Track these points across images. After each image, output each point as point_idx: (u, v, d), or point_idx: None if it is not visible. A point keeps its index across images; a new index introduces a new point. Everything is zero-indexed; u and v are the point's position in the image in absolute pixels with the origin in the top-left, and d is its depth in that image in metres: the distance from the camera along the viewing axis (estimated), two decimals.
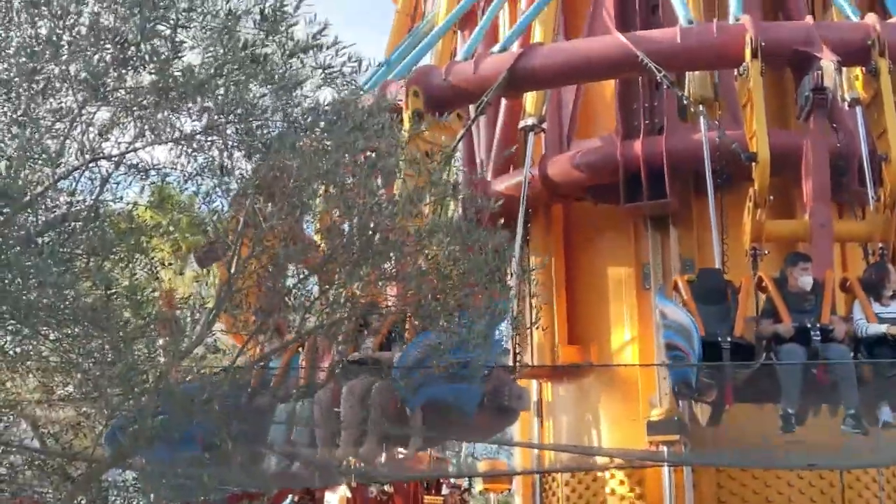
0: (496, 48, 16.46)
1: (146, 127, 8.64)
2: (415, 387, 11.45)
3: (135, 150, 8.40)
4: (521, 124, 16.67)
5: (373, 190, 10.31)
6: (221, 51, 8.35)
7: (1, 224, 7.90)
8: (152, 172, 8.79)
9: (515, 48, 16.22)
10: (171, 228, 9.77)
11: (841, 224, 14.11)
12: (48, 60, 8.20)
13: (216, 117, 8.40)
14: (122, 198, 8.92)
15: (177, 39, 8.33)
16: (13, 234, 7.97)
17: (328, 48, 8.65)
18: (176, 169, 8.70)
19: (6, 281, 7.78)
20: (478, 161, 18.56)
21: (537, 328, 15.49)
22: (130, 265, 8.53)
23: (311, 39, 8.60)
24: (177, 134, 8.47)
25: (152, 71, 8.28)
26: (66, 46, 8.22)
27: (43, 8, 8.19)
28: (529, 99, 16.58)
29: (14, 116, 8.66)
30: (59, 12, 8.21)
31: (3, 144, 8.76)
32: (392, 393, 11.94)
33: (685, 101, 15.25)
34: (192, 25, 8.32)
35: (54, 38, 8.16)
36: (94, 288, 8.02)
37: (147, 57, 8.28)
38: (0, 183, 7.95)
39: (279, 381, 12.32)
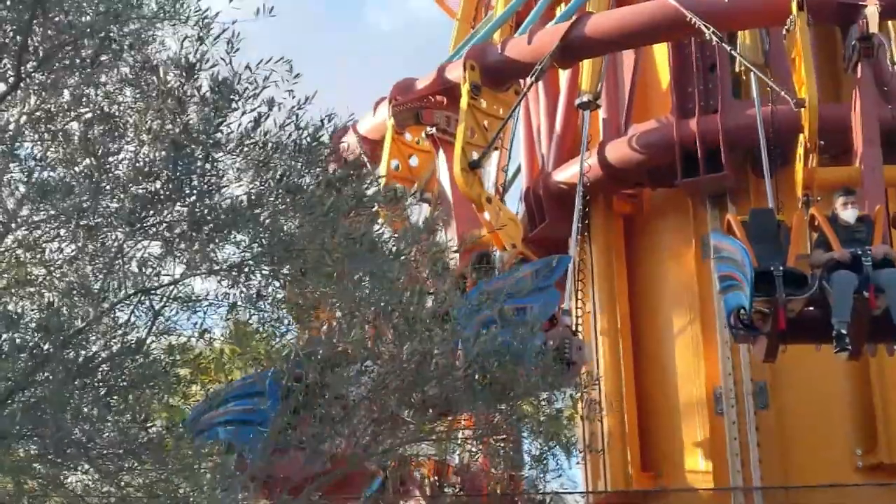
0: (551, 24, 16.67)
1: (192, 259, 8.73)
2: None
3: (175, 282, 8.47)
4: (577, 101, 16.57)
5: (423, 317, 10.30)
6: (259, 182, 8.45)
7: (43, 360, 7.97)
8: (197, 304, 8.87)
9: None
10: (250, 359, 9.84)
11: (891, 169, 13.98)
12: (90, 198, 8.35)
13: (255, 248, 8.45)
14: (168, 331, 9.00)
15: (216, 171, 8.46)
16: (56, 370, 8.02)
17: (362, 177, 8.72)
18: (218, 300, 8.75)
19: (46, 416, 7.82)
20: (539, 155, 18.50)
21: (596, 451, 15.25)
22: (169, 398, 8.54)
23: (348, 168, 8.69)
24: (216, 266, 8.52)
25: (191, 204, 8.40)
26: (107, 184, 8.38)
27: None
28: (585, 76, 16.54)
29: (66, 256, 8.84)
30: (99, 150, 8.40)
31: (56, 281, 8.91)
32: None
33: (734, 55, 15.20)
34: (227, 158, 8.45)
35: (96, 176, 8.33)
36: (132, 422, 8.04)
37: (187, 191, 8.41)
38: (43, 319, 8.05)
39: None
